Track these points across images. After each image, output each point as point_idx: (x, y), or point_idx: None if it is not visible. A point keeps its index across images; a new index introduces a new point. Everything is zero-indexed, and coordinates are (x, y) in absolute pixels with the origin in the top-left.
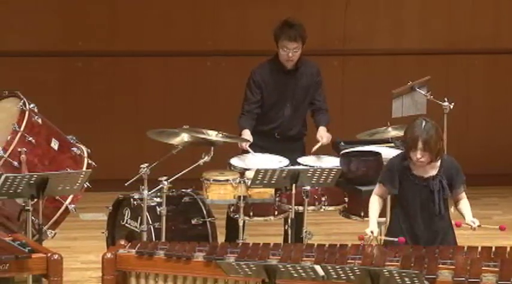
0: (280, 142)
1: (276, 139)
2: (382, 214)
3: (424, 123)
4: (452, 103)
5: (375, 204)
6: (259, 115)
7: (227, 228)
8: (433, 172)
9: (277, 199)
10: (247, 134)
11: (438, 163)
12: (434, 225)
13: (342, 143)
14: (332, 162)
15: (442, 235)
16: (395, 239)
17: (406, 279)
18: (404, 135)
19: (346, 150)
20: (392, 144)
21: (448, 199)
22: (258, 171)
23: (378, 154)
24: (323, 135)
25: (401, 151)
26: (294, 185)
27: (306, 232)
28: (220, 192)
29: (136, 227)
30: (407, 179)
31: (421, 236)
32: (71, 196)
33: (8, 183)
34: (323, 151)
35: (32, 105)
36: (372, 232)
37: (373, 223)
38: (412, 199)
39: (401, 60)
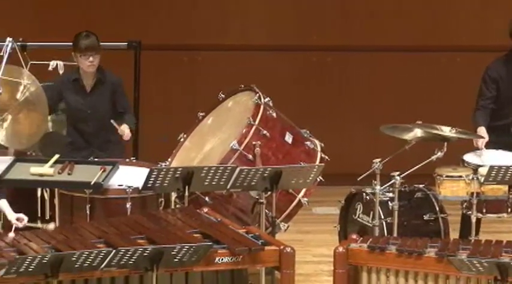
0: None
1: (511, 135)
2: None
3: None
4: None
5: None
6: (494, 111)
7: (461, 224)
8: None
9: (510, 196)
10: (482, 132)
11: None
12: None
13: None
14: None
15: None
16: None
17: None
18: None
19: None
20: None
21: None
22: (491, 168)
23: None
24: None
25: None
26: None
27: None
28: (453, 188)
29: (368, 221)
30: None
31: None
32: (304, 190)
33: (243, 175)
34: None
35: (267, 99)
36: None
37: None
38: None
39: None
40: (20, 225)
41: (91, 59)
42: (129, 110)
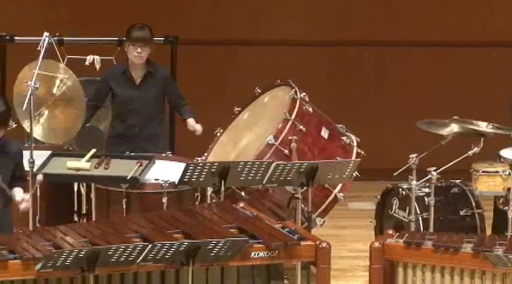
0: None
1: None
2: None
3: None
4: None
5: None
6: None
7: (494, 220)
8: None
9: None
10: None
11: None
12: None
13: None
14: None
15: None
16: None
17: None
18: None
19: None
20: None
21: None
22: None
23: None
24: None
25: None
26: None
27: None
28: (489, 183)
29: (404, 217)
30: None
31: None
32: (340, 185)
33: (279, 170)
34: None
35: (303, 94)
36: None
37: None
38: None
39: None
40: (22, 206)
41: (139, 49)
42: (183, 97)
